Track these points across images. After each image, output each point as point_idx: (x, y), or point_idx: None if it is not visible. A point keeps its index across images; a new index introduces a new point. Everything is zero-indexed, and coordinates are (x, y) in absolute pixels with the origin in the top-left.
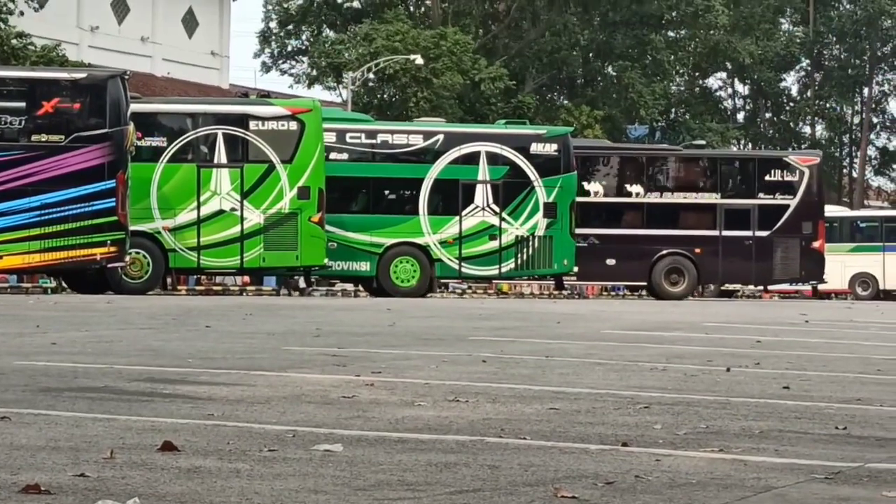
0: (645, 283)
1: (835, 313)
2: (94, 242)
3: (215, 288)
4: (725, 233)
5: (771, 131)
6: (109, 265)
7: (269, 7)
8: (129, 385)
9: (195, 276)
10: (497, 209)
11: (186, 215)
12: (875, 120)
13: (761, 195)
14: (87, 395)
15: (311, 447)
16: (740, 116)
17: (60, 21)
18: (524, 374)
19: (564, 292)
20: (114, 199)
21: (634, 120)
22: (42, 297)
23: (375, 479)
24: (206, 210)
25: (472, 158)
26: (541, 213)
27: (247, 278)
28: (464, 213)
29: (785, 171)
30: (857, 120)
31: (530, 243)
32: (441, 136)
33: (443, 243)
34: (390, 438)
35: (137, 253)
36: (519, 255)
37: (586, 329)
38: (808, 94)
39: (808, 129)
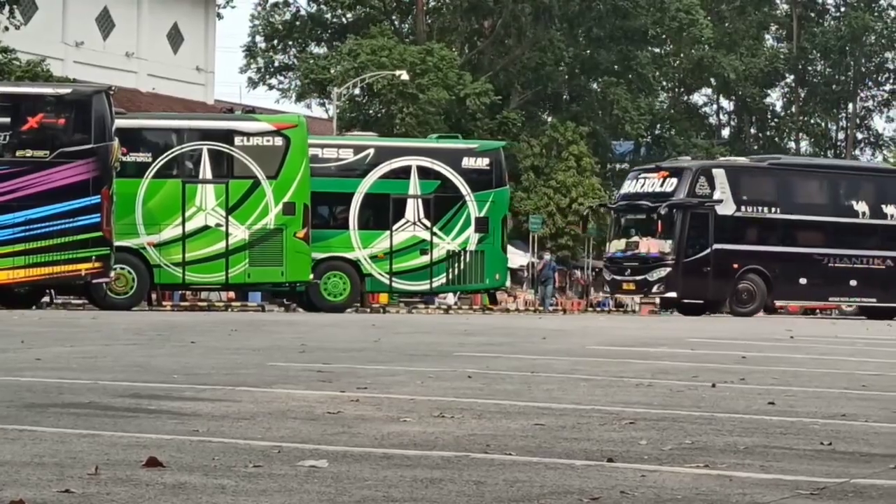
0: None
1: (820, 329)
2: (79, 258)
3: (200, 303)
4: None
5: (756, 147)
6: (94, 281)
7: (255, 23)
8: (114, 401)
9: (180, 292)
10: (428, 224)
11: (171, 231)
12: (860, 136)
13: None
14: (72, 410)
15: (297, 463)
16: (725, 132)
17: (45, 36)
18: (509, 390)
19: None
20: (99, 215)
21: (619, 136)
22: (26, 313)
23: (360, 494)
24: (191, 226)
25: (403, 173)
26: (472, 227)
27: (232, 294)
28: (394, 227)
29: None
30: (841, 136)
31: (462, 258)
32: (372, 151)
33: (373, 258)
34: (375, 454)
35: (122, 268)
36: (450, 270)
37: (571, 345)
38: (793, 109)
39: (792, 145)
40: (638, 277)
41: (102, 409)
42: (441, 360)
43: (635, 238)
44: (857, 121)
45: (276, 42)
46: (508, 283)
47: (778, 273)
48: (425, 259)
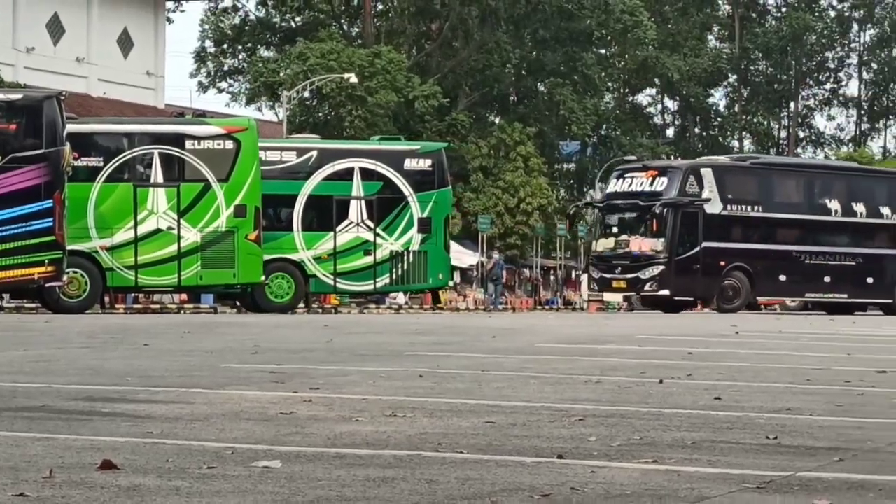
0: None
1: (764, 324)
2: (31, 262)
3: (153, 306)
4: None
5: (700, 146)
6: (47, 284)
7: (205, 27)
8: (68, 404)
9: (133, 295)
10: (371, 225)
11: (124, 234)
12: (801, 134)
13: None
14: (26, 414)
15: (250, 464)
16: (670, 132)
17: None
18: (460, 389)
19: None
20: (51, 219)
21: (566, 136)
22: None
23: (314, 494)
24: (143, 229)
25: (345, 174)
26: (415, 228)
27: (184, 296)
28: (338, 228)
29: None
30: (783, 134)
31: (405, 258)
32: (315, 153)
33: (317, 259)
34: (328, 454)
35: (75, 272)
36: (394, 270)
37: (521, 343)
38: (736, 108)
39: (736, 144)
40: (629, 276)
41: (56, 413)
42: (392, 360)
43: (625, 237)
44: (799, 119)
45: (225, 46)
46: (458, 282)
47: (760, 270)
48: (369, 259)
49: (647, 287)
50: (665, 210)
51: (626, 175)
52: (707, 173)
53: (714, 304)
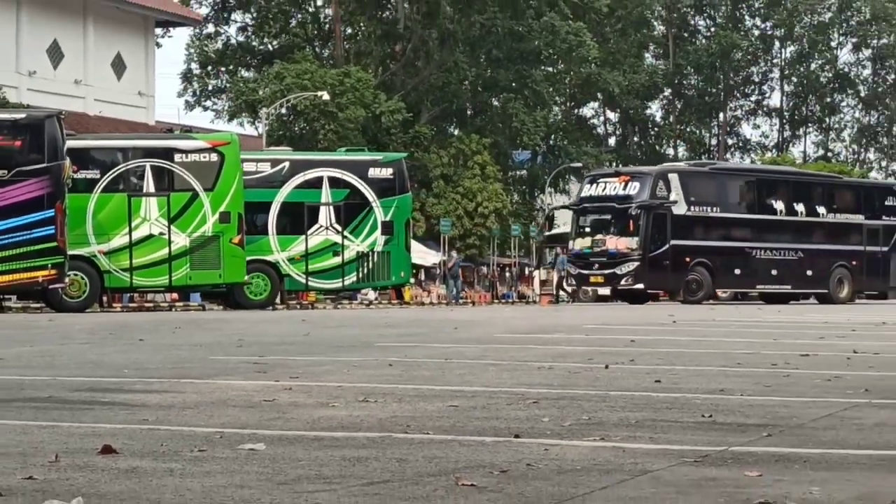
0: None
1: (699, 314)
2: (36, 266)
3: (147, 305)
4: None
5: (639, 153)
6: (50, 286)
7: (191, 51)
8: (71, 395)
9: (129, 295)
10: (339, 228)
11: (119, 240)
12: (730, 141)
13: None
14: (33, 404)
15: (237, 446)
16: (612, 141)
17: (0, 67)
18: (426, 376)
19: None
20: (53, 227)
21: (518, 146)
22: None
23: (295, 473)
24: (136, 235)
25: (315, 183)
26: (379, 230)
27: (175, 295)
28: (309, 232)
29: (890, 197)
30: (714, 142)
31: (370, 258)
32: (287, 164)
33: (291, 260)
34: (308, 437)
35: (76, 275)
36: (360, 269)
37: (480, 334)
38: (671, 119)
39: (671, 151)
40: (606, 271)
41: (61, 403)
42: (364, 351)
43: (601, 236)
44: (727, 128)
45: (209, 68)
46: (423, 279)
47: (719, 265)
48: (337, 260)
49: (623, 282)
50: (639, 212)
51: (598, 180)
52: (674, 178)
53: (681, 297)
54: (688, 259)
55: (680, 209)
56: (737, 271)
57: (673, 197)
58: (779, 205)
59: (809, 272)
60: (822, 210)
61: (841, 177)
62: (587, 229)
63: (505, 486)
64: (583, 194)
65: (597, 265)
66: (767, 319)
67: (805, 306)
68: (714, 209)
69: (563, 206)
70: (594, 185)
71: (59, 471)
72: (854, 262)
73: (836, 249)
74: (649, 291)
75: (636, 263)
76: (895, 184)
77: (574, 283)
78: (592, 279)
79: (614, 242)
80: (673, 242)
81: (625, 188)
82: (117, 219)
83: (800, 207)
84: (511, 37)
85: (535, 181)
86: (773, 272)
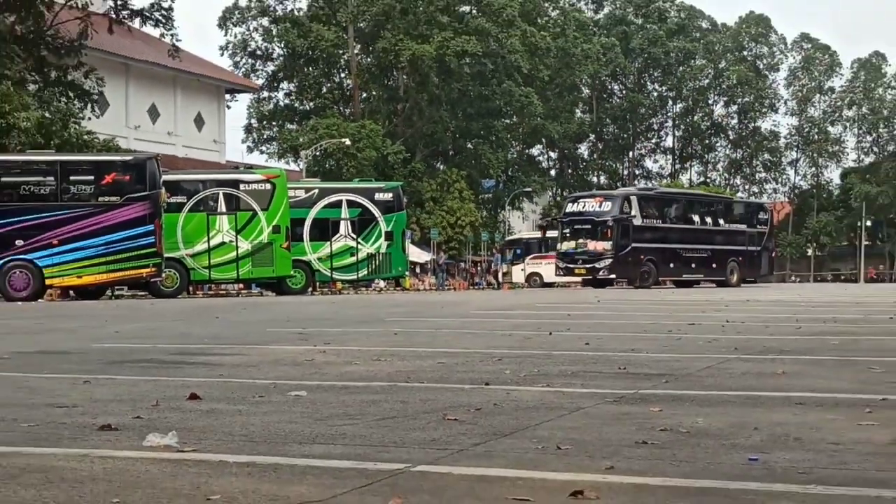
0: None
1: (617, 295)
2: (141, 265)
3: (221, 292)
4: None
5: (573, 182)
6: (151, 280)
7: (251, 110)
8: (166, 357)
9: (208, 286)
10: (354, 236)
11: (200, 246)
12: (637, 172)
13: (746, 226)
14: (140, 364)
15: (286, 393)
16: (553, 172)
17: (114, 122)
18: (422, 341)
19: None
20: (153, 237)
21: (486, 176)
22: (109, 302)
23: (328, 412)
24: (213, 242)
25: (337, 204)
26: (383, 238)
27: (241, 285)
28: (333, 239)
29: (761, 212)
30: (626, 172)
31: (377, 257)
32: (316, 191)
33: (320, 259)
34: (337, 386)
35: (170, 271)
36: (370, 265)
37: (460, 311)
38: (595, 156)
39: (595, 180)
40: (588, 266)
41: (159, 363)
42: (377, 324)
43: (582, 240)
44: (635, 162)
45: (264, 122)
46: (419, 272)
47: (661, 261)
48: (353, 259)
49: (600, 273)
50: (612, 223)
51: (579, 200)
52: (633, 199)
53: (637, 283)
54: (642, 256)
55: (637, 221)
56: (671, 265)
57: (633, 213)
58: (696, 217)
59: (714, 265)
60: (721, 221)
61: (732, 198)
62: (569, 234)
63: (478, 419)
64: (567, 210)
65: (580, 261)
66: (667, 299)
67: (704, 289)
68: (657, 221)
69: (553, 219)
70: (576, 203)
71: (158, 412)
72: (741, 258)
73: (730, 249)
74: (611, 277)
75: (610, 260)
76: (765, 202)
77: (562, 274)
78: (577, 271)
79: (594, 245)
80: (633, 245)
81: (600, 206)
82: (199, 231)
83: (708, 219)
84: (480, 99)
85: (498, 201)
86: (693, 265)
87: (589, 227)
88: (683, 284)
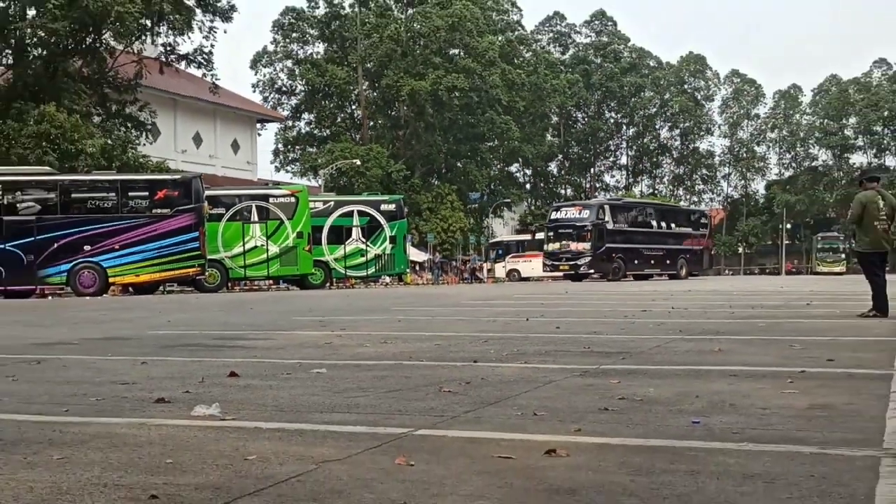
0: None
1: (584, 287)
2: (188, 266)
3: (254, 288)
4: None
5: (544, 193)
6: (197, 277)
7: (278, 136)
8: (210, 342)
9: (243, 282)
10: (364, 240)
11: (237, 249)
12: (597, 185)
13: (690, 229)
14: (188, 348)
15: (310, 371)
16: (528, 186)
17: (165, 148)
18: (421, 326)
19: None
20: (198, 243)
21: (473, 190)
22: (161, 297)
23: (344, 386)
24: (247, 246)
25: (349, 214)
26: (387, 241)
27: (271, 282)
28: (346, 243)
29: (703, 217)
30: (588, 185)
31: (382, 258)
32: (332, 202)
33: (336, 259)
34: (351, 364)
35: (212, 270)
36: (376, 264)
37: (453, 300)
38: (563, 173)
39: (563, 192)
40: (570, 263)
41: (204, 347)
42: (384, 312)
43: (566, 242)
44: (596, 177)
45: (289, 146)
46: (418, 269)
47: (628, 258)
48: (363, 259)
49: (581, 269)
50: (591, 227)
51: (562, 209)
52: (607, 207)
53: (610, 277)
54: (614, 255)
55: (610, 226)
56: (636, 261)
57: (607, 219)
58: (654, 221)
59: (668, 261)
60: (673, 225)
61: (680, 206)
62: (553, 237)
63: (469, 391)
64: (552, 217)
65: (564, 259)
66: (625, 290)
67: (657, 281)
68: (625, 225)
69: (540, 224)
70: (559, 211)
71: (204, 387)
72: (688, 255)
73: (680, 248)
74: (590, 272)
75: (589, 258)
76: (705, 210)
77: (549, 270)
78: (561, 267)
79: (575, 246)
80: (607, 245)
81: (580, 213)
82: (236, 237)
83: (664, 224)
84: (467, 126)
85: (483, 211)
86: (652, 262)
87: (571, 230)
88: (642, 277)
